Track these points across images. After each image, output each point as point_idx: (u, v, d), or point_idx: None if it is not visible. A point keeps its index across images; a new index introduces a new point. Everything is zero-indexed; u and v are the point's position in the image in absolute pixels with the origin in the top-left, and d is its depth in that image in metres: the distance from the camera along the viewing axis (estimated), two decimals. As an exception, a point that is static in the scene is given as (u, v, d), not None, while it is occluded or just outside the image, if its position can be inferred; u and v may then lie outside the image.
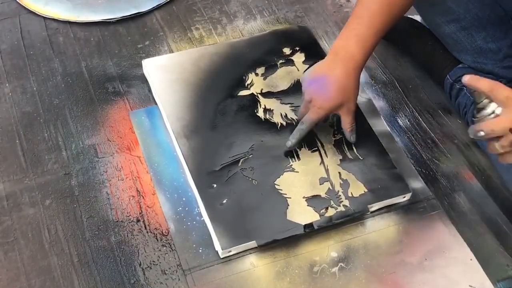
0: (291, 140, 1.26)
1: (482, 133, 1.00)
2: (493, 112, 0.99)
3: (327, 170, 1.26)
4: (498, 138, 0.99)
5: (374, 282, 1.15)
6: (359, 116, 1.36)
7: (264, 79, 1.42)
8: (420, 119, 1.43)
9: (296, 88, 1.40)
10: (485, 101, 0.99)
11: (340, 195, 1.23)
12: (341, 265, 1.17)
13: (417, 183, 1.29)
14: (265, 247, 1.18)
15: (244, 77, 1.42)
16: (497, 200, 1.29)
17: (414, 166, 1.32)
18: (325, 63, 1.25)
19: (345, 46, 1.22)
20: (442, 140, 1.39)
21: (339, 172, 1.26)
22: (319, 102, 1.23)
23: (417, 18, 1.56)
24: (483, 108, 1.00)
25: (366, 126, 1.35)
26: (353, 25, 1.23)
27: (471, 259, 1.19)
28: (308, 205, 1.21)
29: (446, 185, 1.31)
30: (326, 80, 1.22)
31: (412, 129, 1.40)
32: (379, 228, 1.22)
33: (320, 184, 1.25)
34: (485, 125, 0.99)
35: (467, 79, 1.00)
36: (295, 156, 1.28)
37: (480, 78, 1.00)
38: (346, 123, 1.26)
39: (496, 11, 1.33)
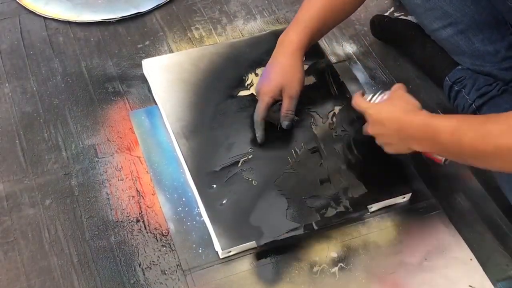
0: (257, 134, 1.30)
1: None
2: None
3: (327, 171, 1.26)
4: None
5: (374, 282, 1.15)
6: (359, 118, 1.36)
7: (264, 79, 1.41)
8: (420, 119, 1.42)
9: (296, 88, 1.40)
10: None
11: (340, 196, 1.23)
12: (341, 265, 1.17)
13: (417, 184, 1.29)
14: (265, 247, 1.18)
15: (244, 77, 1.41)
16: (497, 200, 1.29)
17: (413, 167, 1.31)
18: (271, 57, 1.31)
19: (286, 34, 1.30)
20: (442, 140, 1.39)
21: (339, 173, 1.26)
22: (262, 89, 1.29)
23: (413, 18, 1.56)
24: None
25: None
26: (293, 17, 1.31)
27: (471, 259, 1.19)
28: (308, 206, 1.21)
29: (446, 185, 1.31)
30: (268, 68, 1.30)
31: (412, 129, 1.40)
32: (379, 228, 1.22)
33: (320, 185, 1.25)
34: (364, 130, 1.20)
35: (353, 102, 1.21)
36: (295, 157, 1.28)
37: (358, 99, 1.21)
38: (284, 107, 1.29)
39: (492, 14, 1.33)
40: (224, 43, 1.52)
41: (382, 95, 1.21)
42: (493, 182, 1.31)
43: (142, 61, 1.45)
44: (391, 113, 1.13)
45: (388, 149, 1.17)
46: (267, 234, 1.17)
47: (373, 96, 1.22)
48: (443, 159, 1.16)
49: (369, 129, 1.18)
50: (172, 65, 1.43)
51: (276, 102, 1.29)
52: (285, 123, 1.29)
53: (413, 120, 1.10)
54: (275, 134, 1.32)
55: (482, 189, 1.31)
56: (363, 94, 1.22)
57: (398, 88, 1.18)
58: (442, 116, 1.10)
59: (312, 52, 1.47)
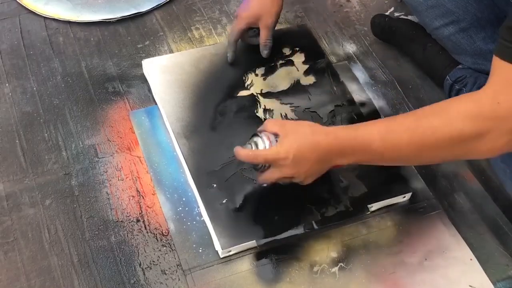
0: (229, 55, 1.42)
1: (265, 184, 1.19)
2: (263, 167, 1.13)
3: (327, 170, 1.26)
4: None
5: (374, 282, 1.15)
6: (359, 116, 1.36)
7: (264, 79, 1.42)
8: (420, 119, 1.42)
9: (296, 88, 1.40)
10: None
11: (340, 195, 1.23)
12: (341, 265, 1.17)
13: (417, 183, 1.29)
14: (265, 247, 1.18)
15: (244, 78, 1.42)
16: (497, 200, 1.29)
17: (414, 166, 1.31)
18: None
19: None
20: (442, 140, 1.38)
21: (339, 172, 1.26)
22: (240, 14, 1.40)
23: (413, 18, 1.56)
24: (256, 165, 1.14)
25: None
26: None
27: (471, 259, 1.19)
28: (308, 205, 1.21)
29: (446, 185, 1.31)
30: None
31: (412, 129, 1.40)
32: (379, 228, 1.22)
33: (320, 184, 1.24)
34: (262, 180, 1.14)
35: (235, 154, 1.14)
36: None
37: (240, 150, 1.12)
38: (263, 37, 1.40)
39: (494, 12, 1.33)
40: (224, 43, 1.52)
41: (264, 140, 1.11)
42: (493, 182, 1.31)
43: (142, 62, 1.45)
44: (306, 143, 1.07)
45: (308, 181, 1.12)
46: (267, 234, 1.17)
47: (256, 145, 1.12)
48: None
49: (285, 172, 1.10)
50: (172, 66, 1.43)
51: (250, 29, 1.42)
52: (264, 52, 1.42)
53: (335, 138, 1.07)
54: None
55: (482, 189, 1.31)
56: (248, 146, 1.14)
57: (273, 124, 1.12)
58: (364, 125, 1.09)
59: (312, 52, 1.47)
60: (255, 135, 1.13)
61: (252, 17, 1.38)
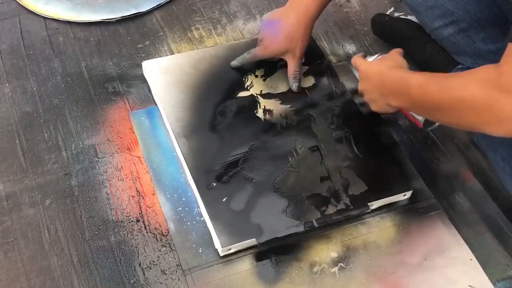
0: (235, 62, 1.42)
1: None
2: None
3: (327, 169, 1.27)
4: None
5: (374, 282, 1.15)
6: (359, 116, 1.36)
7: (264, 80, 1.42)
8: (420, 119, 1.42)
9: (296, 88, 1.40)
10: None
11: (340, 193, 1.23)
12: (341, 265, 1.17)
13: (417, 183, 1.29)
14: (265, 246, 1.18)
15: (243, 79, 1.42)
16: (497, 200, 1.29)
17: (414, 166, 1.31)
18: (282, 9, 1.37)
19: None
20: (442, 140, 1.39)
21: (339, 171, 1.26)
22: (267, 43, 1.38)
23: (414, 18, 1.56)
24: None
25: (366, 126, 1.35)
26: None
27: (471, 259, 1.19)
28: (308, 203, 1.22)
29: (446, 185, 1.31)
30: (279, 25, 1.36)
31: (412, 129, 1.40)
32: (379, 228, 1.22)
33: (320, 183, 1.25)
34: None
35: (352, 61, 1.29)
36: (295, 155, 1.28)
37: (356, 59, 1.28)
38: (291, 69, 1.39)
39: (494, 12, 1.33)
40: (223, 45, 1.52)
41: (380, 57, 1.28)
42: (493, 182, 1.31)
43: (142, 63, 1.45)
44: (377, 68, 1.22)
45: (373, 107, 1.24)
46: (267, 232, 1.17)
47: (371, 57, 1.29)
48: (423, 121, 1.25)
49: (359, 85, 1.26)
50: (172, 67, 1.43)
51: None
52: (295, 85, 1.39)
53: (392, 74, 1.18)
54: (275, 133, 1.32)
55: (482, 189, 1.31)
56: (364, 56, 1.29)
57: (394, 51, 1.25)
58: (417, 72, 1.17)
59: (312, 52, 1.47)
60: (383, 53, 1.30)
61: (279, 52, 1.38)
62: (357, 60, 1.28)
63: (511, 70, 0.97)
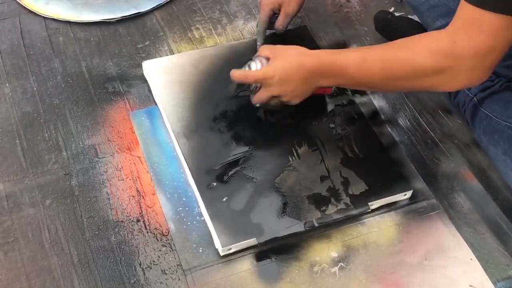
0: (258, 43, 1.44)
1: (257, 105, 1.25)
2: (255, 88, 1.23)
3: (327, 169, 1.27)
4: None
5: (374, 282, 1.15)
6: (359, 116, 1.36)
7: (264, 79, 1.42)
8: (420, 119, 1.42)
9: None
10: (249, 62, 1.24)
11: (340, 193, 1.23)
12: (341, 265, 1.17)
13: (417, 183, 1.29)
14: (265, 246, 1.18)
15: (244, 77, 1.41)
16: (497, 200, 1.29)
17: (414, 166, 1.32)
18: None
19: None
20: (442, 140, 1.39)
21: (340, 170, 1.26)
22: (263, 0, 1.43)
23: (416, 18, 1.56)
24: (248, 87, 1.24)
25: (366, 126, 1.35)
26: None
27: (471, 259, 1.19)
28: (308, 203, 1.22)
29: (446, 185, 1.31)
30: None
31: (412, 129, 1.40)
32: (379, 228, 1.22)
33: (320, 182, 1.25)
34: (255, 100, 1.24)
35: (231, 75, 1.24)
36: (295, 155, 1.28)
37: (234, 72, 1.24)
38: (279, 21, 1.43)
39: None
40: (224, 45, 1.52)
41: (256, 62, 1.23)
42: (493, 182, 1.31)
43: (142, 63, 1.45)
44: (292, 63, 1.18)
45: (295, 101, 1.22)
46: (267, 232, 1.17)
47: (249, 67, 1.24)
48: (333, 89, 1.32)
49: (273, 91, 1.20)
50: (172, 67, 1.44)
51: (275, 14, 1.44)
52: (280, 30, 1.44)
53: (318, 60, 1.17)
54: (275, 133, 1.32)
55: (482, 189, 1.31)
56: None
57: (265, 48, 1.23)
58: (344, 51, 1.21)
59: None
60: (251, 59, 1.24)
61: (274, 3, 1.42)
62: (248, 73, 1.22)
63: (465, 37, 1.03)
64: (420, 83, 1.13)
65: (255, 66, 1.22)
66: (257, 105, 1.25)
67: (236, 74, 1.23)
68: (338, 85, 1.24)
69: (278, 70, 1.18)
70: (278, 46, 1.23)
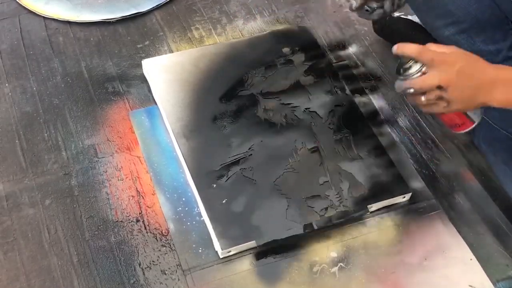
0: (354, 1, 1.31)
1: (411, 90, 1.06)
2: (419, 71, 1.06)
3: (327, 170, 1.26)
4: (423, 93, 1.06)
5: (374, 282, 1.15)
6: (359, 116, 1.36)
7: (264, 79, 1.42)
8: (420, 119, 1.42)
9: (296, 88, 1.40)
10: (411, 61, 1.08)
11: (340, 195, 1.23)
12: (341, 265, 1.17)
13: (417, 183, 1.29)
14: (265, 247, 1.18)
15: (244, 78, 1.41)
16: (497, 200, 1.29)
17: (414, 166, 1.31)
18: None
19: None
20: (442, 140, 1.39)
21: (339, 172, 1.26)
22: None
23: (416, 19, 1.56)
24: (408, 68, 1.08)
25: (366, 127, 1.35)
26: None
27: (471, 259, 1.19)
28: (308, 205, 1.21)
29: (446, 185, 1.31)
30: None
31: (412, 129, 1.40)
32: (379, 228, 1.22)
33: (320, 184, 1.25)
34: (415, 82, 1.06)
35: (395, 48, 1.09)
36: (295, 157, 1.28)
37: (406, 44, 1.07)
38: None
39: (495, 13, 1.33)
40: (224, 43, 1.52)
41: (417, 67, 1.07)
42: (493, 182, 1.31)
43: (142, 62, 1.45)
44: (478, 61, 1.03)
45: (455, 106, 1.05)
46: (267, 234, 1.17)
47: (408, 69, 1.08)
48: (476, 123, 1.12)
49: (445, 80, 1.02)
50: (172, 65, 1.43)
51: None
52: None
53: (500, 69, 1.03)
54: (275, 133, 1.32)
55: (482, 189, 1.30)
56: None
57: (430, 46, 1.07)
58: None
59: (312, 52, 1.47)
60: (407, 60, 1.08)
61: None
62: (425, 48, 1.06)
63: None
64: None
65: (421, 69, 1.06)
66: (411, 90, 1.07)
67: (412, 46, 1.07)
68: (503, 105, 1.05)
69: (463, 59, 1.03)
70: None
